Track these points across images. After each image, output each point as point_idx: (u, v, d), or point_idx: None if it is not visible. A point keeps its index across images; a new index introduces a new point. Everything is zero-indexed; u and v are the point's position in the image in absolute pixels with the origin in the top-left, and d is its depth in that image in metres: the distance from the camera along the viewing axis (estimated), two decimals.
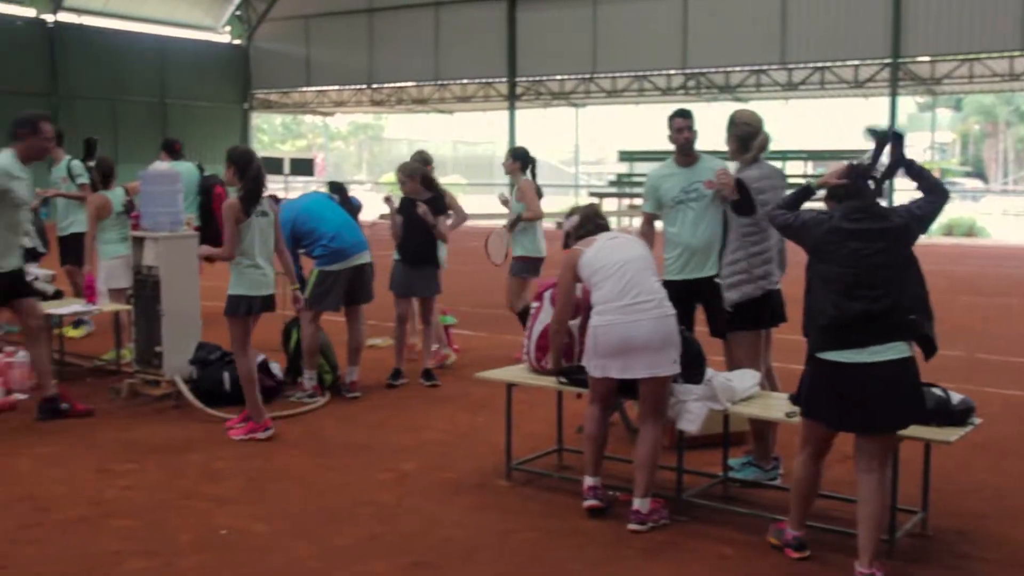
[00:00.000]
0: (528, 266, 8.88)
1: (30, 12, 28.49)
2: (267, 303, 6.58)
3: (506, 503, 5.31)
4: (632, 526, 4.85)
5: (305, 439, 6.54)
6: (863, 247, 4.20)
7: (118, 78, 29.78)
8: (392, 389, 7.91)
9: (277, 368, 7.66)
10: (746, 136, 5.52)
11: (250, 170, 6.40)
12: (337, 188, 8.09)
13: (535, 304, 5.70)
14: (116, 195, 8.76)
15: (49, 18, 28.76)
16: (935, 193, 4.52)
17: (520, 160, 8.87)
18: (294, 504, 5.27)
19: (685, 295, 5.71)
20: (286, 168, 9.36)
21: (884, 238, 4.24)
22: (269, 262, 6.59)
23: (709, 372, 5.07)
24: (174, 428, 6.72)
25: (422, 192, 8.04)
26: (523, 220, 8.82)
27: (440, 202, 8.11)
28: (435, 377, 8.09)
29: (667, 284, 5.77)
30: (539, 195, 8.87)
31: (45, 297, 8.49)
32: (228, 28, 34.09)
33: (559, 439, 6.02)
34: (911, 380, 4.24)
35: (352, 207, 7.94)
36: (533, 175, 8.99)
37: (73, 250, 9.54)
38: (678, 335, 4.97)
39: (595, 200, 29.46)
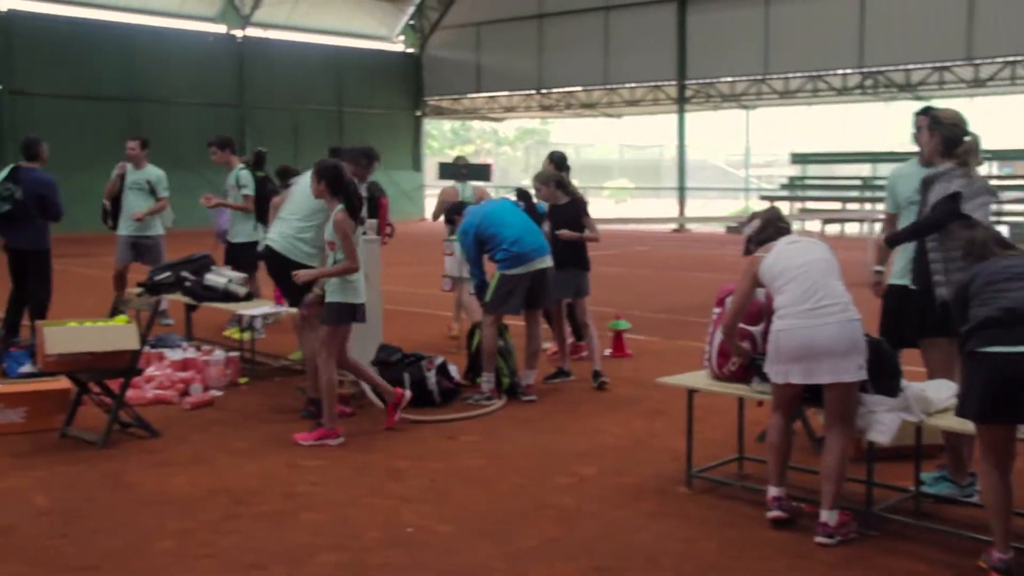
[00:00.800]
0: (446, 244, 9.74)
1: (221, 28, 30.07)
2: (364, 309, 6.70)
3: (687, 511, 5.26)
4: (819, 539, 4.71)
5: (483, 441, 6.64)
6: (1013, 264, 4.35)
7: (298, 88, 31.06)
8: (565, 392, 7.97)
9: (455, 370, 7.81)
10: (955, 137, 5.24)
11: (343, 183, 6.47)
12: (523, 195, 8.26)
13: (716, 310, 5.61)
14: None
15: (238, 33, 30.27)
16: None
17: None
18: (476, 505, 5.36)
19: (898, 299, 5.54)
20: (463, 174, 9.76)
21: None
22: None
23: (902, 382, 4.88)
24: (357, 427, 6.93)
25: (559, 197, 8.34)
26: None
27: (579, 205, 8.40)
28: (602, 375, 8.13)
29: (889, 287, 5.63)
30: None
31: (237, 299, 8.94)
32: (402, 37, 35.05)
33: (740, 447, 5.91)
34: None
35: (537, 214, 8.07)
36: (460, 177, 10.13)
37: (234, 258, 9.98)
38: (864, 340, 4.81)
39: (767, 203, 28.84)
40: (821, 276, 4.83)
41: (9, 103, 25.38)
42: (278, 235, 7.11)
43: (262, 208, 10.30)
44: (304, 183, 7.10)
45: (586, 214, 8.41)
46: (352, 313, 6.58)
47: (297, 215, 7.09)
